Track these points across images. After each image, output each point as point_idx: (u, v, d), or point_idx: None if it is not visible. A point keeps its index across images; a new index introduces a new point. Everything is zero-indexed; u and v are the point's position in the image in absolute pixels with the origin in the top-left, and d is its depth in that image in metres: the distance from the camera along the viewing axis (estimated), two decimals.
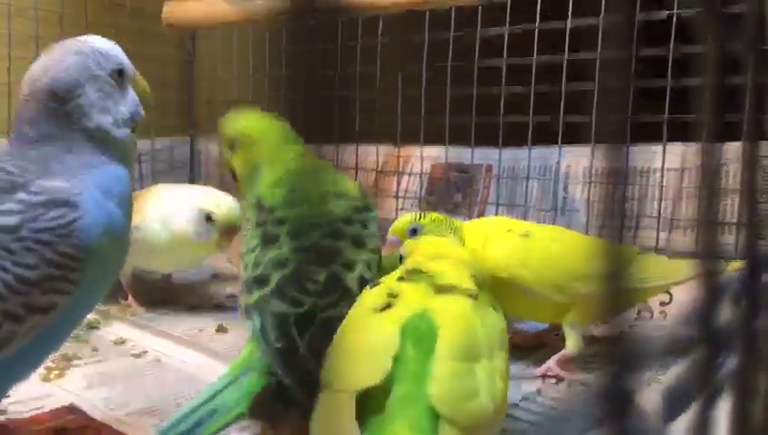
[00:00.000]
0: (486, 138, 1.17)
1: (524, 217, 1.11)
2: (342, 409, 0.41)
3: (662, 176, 1.00)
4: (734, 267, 0.70)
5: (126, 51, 0.62)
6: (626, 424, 0.20)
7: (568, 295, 0.69)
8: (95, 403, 0.60)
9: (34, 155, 0.46)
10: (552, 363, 0.69)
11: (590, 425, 0.47)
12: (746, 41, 0.29)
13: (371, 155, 1.29)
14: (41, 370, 0.63)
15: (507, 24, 1.09)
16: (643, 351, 0.19)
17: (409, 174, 1.28)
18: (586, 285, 0.68)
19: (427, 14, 1.15)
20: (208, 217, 0.84)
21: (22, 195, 0.43)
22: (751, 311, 0.28)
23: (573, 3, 1.02)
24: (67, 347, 0.71)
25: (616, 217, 0.19)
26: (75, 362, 0.69)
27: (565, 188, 1.11)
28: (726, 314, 0.28)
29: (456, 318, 0.46)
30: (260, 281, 0.52)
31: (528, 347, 0.78)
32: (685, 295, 0.81)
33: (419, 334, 0.44)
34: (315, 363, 0.47)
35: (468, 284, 0.50)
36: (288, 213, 0.56)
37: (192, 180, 1.57)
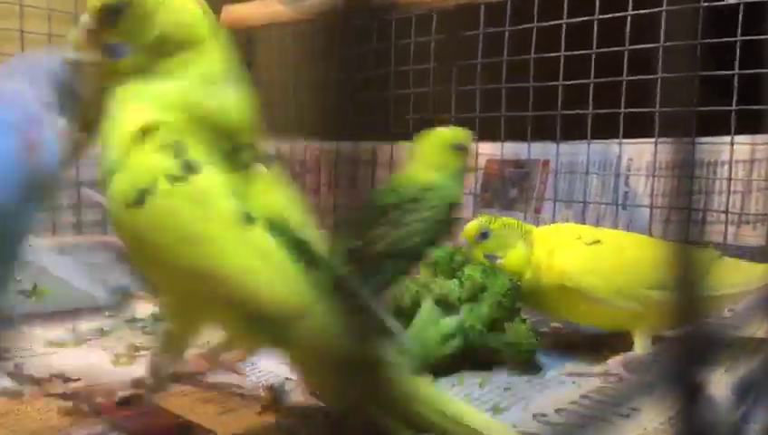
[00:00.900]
0: (543, 132, 1.14)
1: (583, 213, 1.08)
2: None
3: (730, 169, 0.96)
4: None
5: None
6: (695, 411, 0.19)
7: (640, 303, 0.67)
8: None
9: None
10: (614, 363, 0.67)
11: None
12: None
13: None
14: (110, 355, 0.69)
15: (565, 16, 1.06)
16: (713, 342, 0.19)
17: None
18: (659, 293, 0.66)
19: (482, 7, 1.14)
20: None
21: None
22: None
23: None
24: (134, 337, 0.76)
25: (683, 211, 0.18)
26: (143, 352, 0.72)
27: (626, 183, 1.08)
28: None
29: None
30: None
31: (587, 345, 0.76)
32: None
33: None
34: None
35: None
36: None
37: None
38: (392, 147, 1.32)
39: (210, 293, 0.45)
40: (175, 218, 0.44)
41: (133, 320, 0.84)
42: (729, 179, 0.96)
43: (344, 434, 0.49)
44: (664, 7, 0.96)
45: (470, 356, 0.68)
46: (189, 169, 0.45)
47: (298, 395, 0.58)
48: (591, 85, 1.04)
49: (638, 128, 1.04)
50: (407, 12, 1.18)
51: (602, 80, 1.03)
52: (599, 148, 1.10)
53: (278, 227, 0.46)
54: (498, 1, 1.08)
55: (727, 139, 0.95)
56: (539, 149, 1.17)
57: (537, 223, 1.09)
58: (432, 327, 0.67)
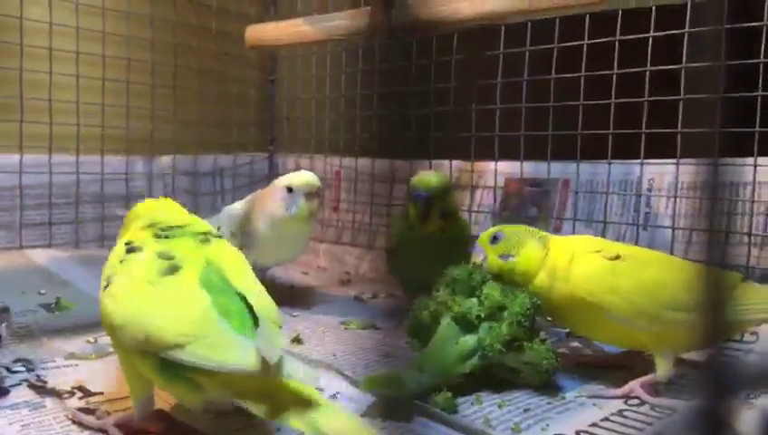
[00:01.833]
0: (564, 152, 1.14)
1: (603, 233, 1.07)
2: None
3: (753, 190, 0.95)
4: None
5: (211, 72, 0.67)
6: None
7: (661, 324, 0.65)
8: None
9: None
10: (635, 385, 0.66)
11: None
12: None
13: (445, 169, 1.29)
14: None
15: (586, 37, 1.06)
16: (738, 374, 0.19)
17: (483, 188, 1.27)
18: (682, 314, 0.64)
19: (503, 28, 1.15)
20: (289, 190, 0.94)
21: None
22: None
23: (656, 14, 0.99)
24: None
25: (706, 233, 0.18)
26: None
27: (648, 203, 1.07)
28: None
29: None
30: None
31: (607, 366, 0.75)
32: None
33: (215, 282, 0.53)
34: None
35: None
36: None
37: None
38: (411, 165, 1.33)
39: (129, 339, 0.51)
40: (116, 287, 0.54)
41: None
42: (753, 201, 0.95)
43: None
44: (686, 29, 0.96)
45: (489, 375, 0.68)
46: (132, 250, 0.57)
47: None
48: (612, 105, 1.04)
49: (659, 148, 1.03)
50: (428, 32, 1.19)
51: (623, 100, 1.03)
52: (619, 168, 1.09)
53: (210, 273, 0.54)
54: (518, 22, 1.09)
55: (750, 160, 0.94)
56: (559, 169, 1.16)
57: None
58: (451, 345, 0.67)
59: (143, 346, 0.49)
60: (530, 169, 1.20)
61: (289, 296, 1.08)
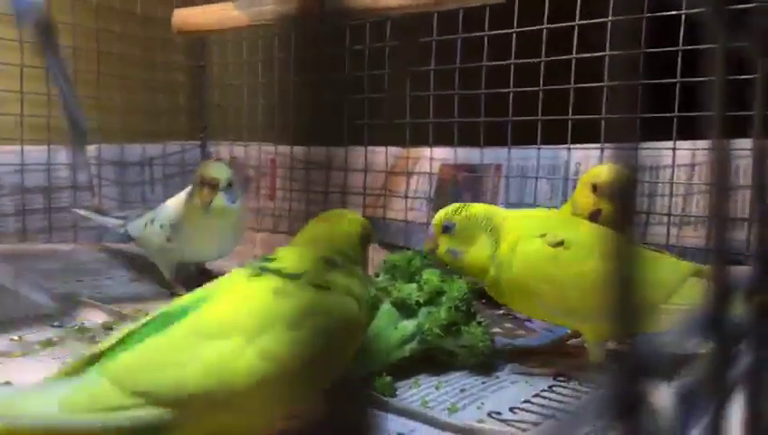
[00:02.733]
0: (495, 138, 1.17)
1: None
2: None
3: (672, 172, 1.00)
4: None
5: (136, 58, 0.64)
6: (637, 424, 0.20)
7: (592, 321, 0.64)
8: None
9: None
10: (565, 367, 0.69)
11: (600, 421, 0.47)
12: (754, 37, 0.29)
13: (380, 156, 1.30)
14: (60, 365, 0.65)
15: (515, 25, 1.09)
16: (655, 352, 0.20)
17: (418, 174, 1.28)
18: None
19: (435, 15, 1.16)
20: (201, 181, 0.95)
21: None
22: (762, 309, 0.28)
23: (581, 2, 1.02)
24: (84, 347, 0.72)
25: (627, 214, 0.19)
26: None
27: (575, 187, 1.11)
28: (739, 311, 0.28)
29: (223, 298, 0.47)
30: None
31: (551, 353, 0.76)
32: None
33: (166, 318, 0.46)
34: None
35: (294, 265, 0.48)
36: None
37: None
38: (346, 151, 1.33)
39: None
40: None
41: (82, 329, 0.81)
42: (671, 183, 1.00)
43: None
44: (610, 17, 0.99)
45: (427, 358, 0.69)
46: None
47: None
48: (541, 92, 1.07)
49: (585, 134, 1.07)
50: (361, 18, 1.18)
51: (551, 87, 1.06)
52: (548, 153, 1.13)
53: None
54: (450, 9, 1.10)
55: (669, 144, 0.99)
56: (491, 155, 1.19)
57: None
58: (391, 330, 0.68)
59: None
60: (464, 155, 1.23)
61: None
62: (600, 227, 0.73)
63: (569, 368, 0.69)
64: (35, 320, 0.84)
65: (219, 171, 0.95)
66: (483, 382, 0.67)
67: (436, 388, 0.65)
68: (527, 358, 0.73)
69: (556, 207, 1.04)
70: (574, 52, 1.03)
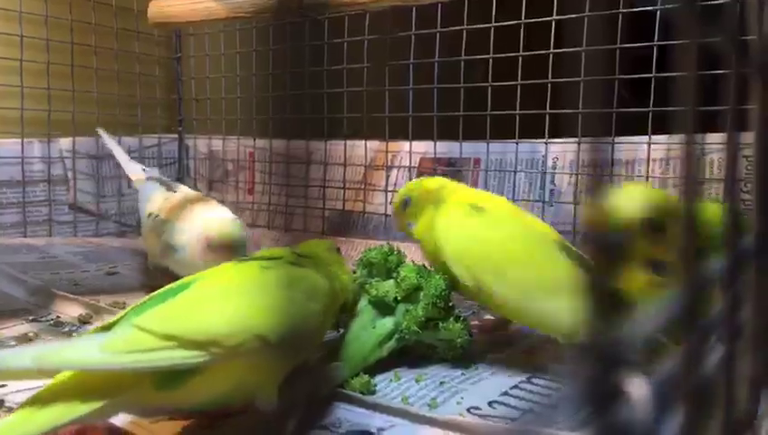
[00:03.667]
0: (475, 132, 1.17)
1: None
2: None
3: (648, 167, 1.01)
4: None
5: (111, 50, 0.63)
6: (614, 416, 0.20)
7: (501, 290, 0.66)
8: None
9: None
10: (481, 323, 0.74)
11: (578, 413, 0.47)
12: (727, 33, 0.29)
13: (360, 150, 1.29)
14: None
15: (493, 20, 1.09)
16: (629, 342, 0.20)
17: (398, 168, 1.28)
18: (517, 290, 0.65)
19: (414, 9, 1.16)
20: (209, 243, 0.84)
21: None
22: (733, 301, 0.29)
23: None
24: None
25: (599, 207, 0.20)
26: None
27: (552, 180, 1.12)
28: (715, 303, 0.28)
29: (217, 275, 0.55)
30: None
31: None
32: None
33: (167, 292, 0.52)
34: None
35: (271, 255, 0.59)
36: None
37: (180, 178, 1.57)
38: (326, 145, 1.33)
39: None
40: None
41: (58, 323, 0.80)
42: (647, 177, 1.02)
43: None
44: (587, 12, 1.00)
45: (406, 351, 0.69)
46: None
47: None
48: (519, 87, 1.08)
49: (563, 128, 1.08)
50: (339, 11, 1.18)
51: (529, 82, 1.07)
52: (526, 147, 1.14)
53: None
54: (429, 3, 1.10)
55: (645, 138, 1.01)
56: (470, 148, 1.20)
57: None
58: (369, 331, 0.67)
59: None
60: (443, 148, 1.23)
61: None
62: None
63: (540, 361, 0.69)
64: (10, 315, 0.83)
65: (234, 233, 0.85)
66: (462, 374, 0.67)
67: (417, 381, 0.65)
68: (505, 346, 0.74)
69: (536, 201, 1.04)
70: (552, 47, 1.04)
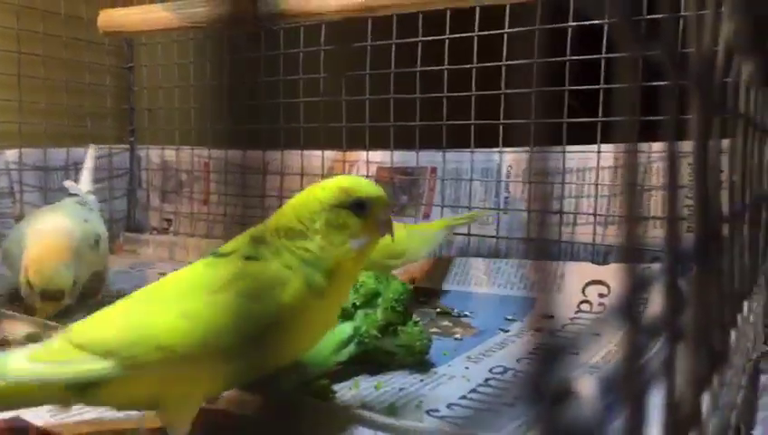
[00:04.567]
0: (430, 141, 1.19)
1: (473, 222, 1.13)
2: None
3: (597, 174, 1.05)
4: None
5: (60, 59, 0.62)
6: (562, 413, 0.21)
7: None
8: (40, 413, 0.58)
9: None
10: None
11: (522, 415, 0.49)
12: (664, 46, 0.31)
13: (317, 160, 1.29)
14: None
15: (447, 32, 1.11)
16: (574, 341, 0.21)
17: None
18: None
19: (369, 21, 1.17)
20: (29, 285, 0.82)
21: None
22: (673, 303, 0.30)
23: (510, 13, 1.06)
24: None
25: (547, 214, 0.20)
26: None
27: (507, 189, 1.14)
28: (656, 304, 0.30)
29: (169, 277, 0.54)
30: None
31: None
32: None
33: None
34: None
35: (230, 246, 0.54)
36: None
37: (132, 189, 1.54)
38: (282, 155, 1.32)
39: None
40: None
41: (5, 342, 0.78)
42: (596, 184, 1.05)
43: None
44: (537, 26, 1.03)
45: (366, 360, 0.70)
46: None
47: None
48: (473, 97, 1.10)
49: (516, 137, 1.10)
50: (294, 22, 1.18)
51: (483, 93, 1.09)
52: (481, 156, 1.16)
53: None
54: (384, 15, 1.11)
55: (594, 147, 1.04)
56: (426, 157, 1.21)
57: None
58: (328, 335, 0.68)
59: None
60: (399, 158, 1.24)
61: None
62: None
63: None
64: None
65: (61, 279, 0.81)
66: (421, 380, 0.68)
67: (376, 388, 0.65)
68: (464, 347, 0.75)
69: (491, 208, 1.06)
70: (504, 59, 1.07)
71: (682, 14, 0.56)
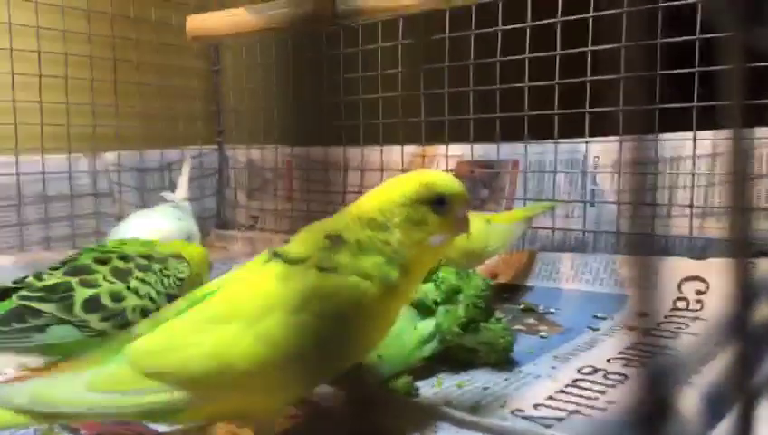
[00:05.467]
0: (512, 133, 1.16)
1: (554, 210, 1.09)
2: None
3: (693, 163, 0.99)
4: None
5: (151, 64, 0.64)
6: (663, 430, 0.20)
7: None
8: None
9: None
10: None
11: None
12: None
13: (396, 155, 1.29)
14: None
15: (529, 19, 1.08)
16: (679, 356, 0.19)
17: None
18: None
19: (447, 12, 1.15)
20: None
21: None
22: None
23: None
24: None
25: (642, 206, 0.19)
26: None
27: (594, 180, 1.10)
28: (764, 310, 0.27)
29: (234, 284, 0.50)
30: None
31: None
32: (722, 282, 0.80)
33: (191, 303, 0.48)
34: None
35: (301, 249, 0.49)
36: None
37: (221, 188, 1.60)
38: (362, 151, 1.33)
39: None
40: None
41: None
42: (693, 174, 0.99)
43: None
44: (624, 8, 0.98)
45: (448, 357, 0.69)
46: None
47: None
48: (557, 86, 1.06)
49: (604, 126, 1.06)
50: (372, 18, 1.18)
51: (567, 81, 1.05)
52: (566, 147, 1.12)
53: None
54: (462, 6, 1.09)
55: (690, 134, 0.98)
56: (508, 150, 1.18)
57: None
58: (409, 331, 0.67)
59: None
60: (480, 151, 1.22)
61: None
62: None
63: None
64: None
65: None
66: (506, 379, 0.66)
67: (459, 387, 0.64)
68: (549, 345, 0.73)
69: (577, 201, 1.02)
70: (590, 44, 1.02)
71: None
